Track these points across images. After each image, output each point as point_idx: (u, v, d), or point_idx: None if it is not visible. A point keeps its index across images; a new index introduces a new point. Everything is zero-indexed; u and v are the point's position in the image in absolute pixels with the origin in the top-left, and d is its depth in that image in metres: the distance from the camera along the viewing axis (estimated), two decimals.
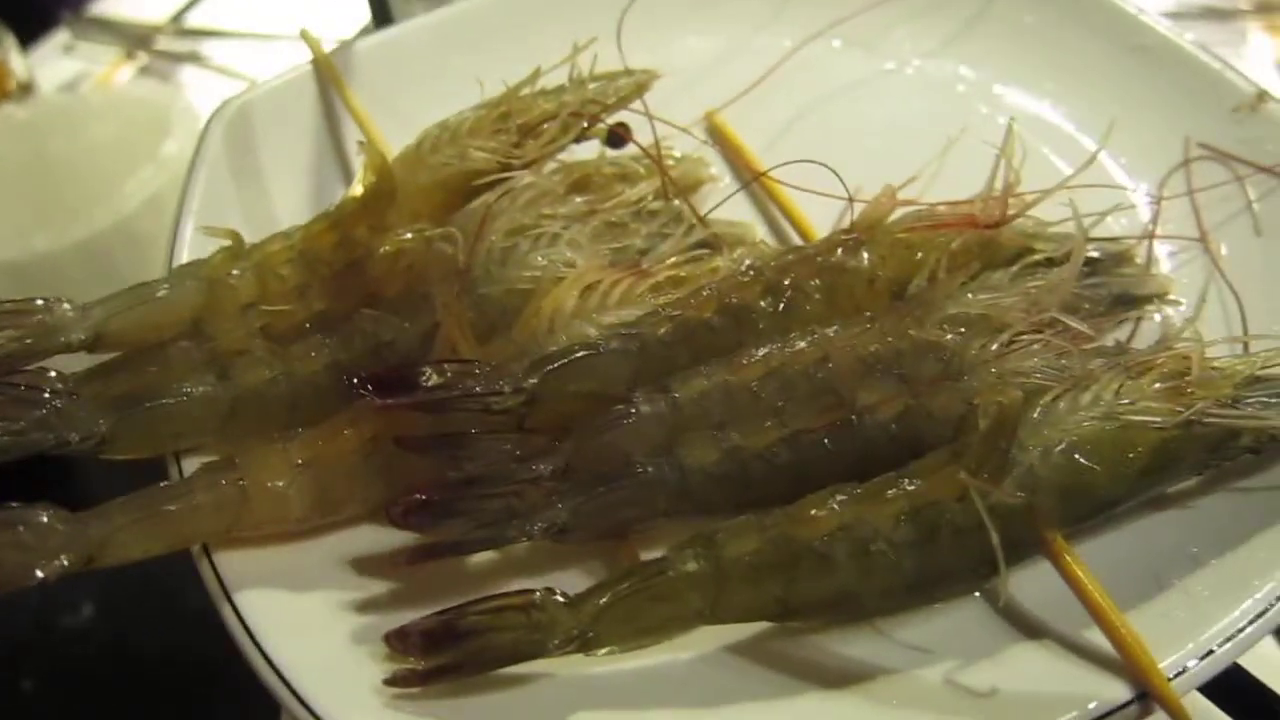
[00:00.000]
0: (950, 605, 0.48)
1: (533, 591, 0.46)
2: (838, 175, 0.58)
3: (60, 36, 1.64)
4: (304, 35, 0.73)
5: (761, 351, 0.51)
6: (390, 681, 0.45)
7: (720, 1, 0.77)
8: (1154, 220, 0.62)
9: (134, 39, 1.62)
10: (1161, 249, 0.61)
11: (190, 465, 0.52)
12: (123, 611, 0.96)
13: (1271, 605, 0.44)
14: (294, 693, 0.44)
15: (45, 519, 0.46)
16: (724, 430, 0.49)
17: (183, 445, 0.53)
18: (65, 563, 0.46)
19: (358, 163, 0.66)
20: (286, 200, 0.68)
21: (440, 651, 0.45)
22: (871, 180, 0.60)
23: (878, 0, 0.75)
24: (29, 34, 1.42)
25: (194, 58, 1.59)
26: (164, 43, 1.62)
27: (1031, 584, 0.48)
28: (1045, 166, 0.66)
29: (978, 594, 0.48)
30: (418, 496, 0.47)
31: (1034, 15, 0.74)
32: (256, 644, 0.46)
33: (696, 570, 0.46)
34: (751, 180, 0.65)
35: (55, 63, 1.58)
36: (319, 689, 0.44)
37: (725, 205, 0.63)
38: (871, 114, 0.73)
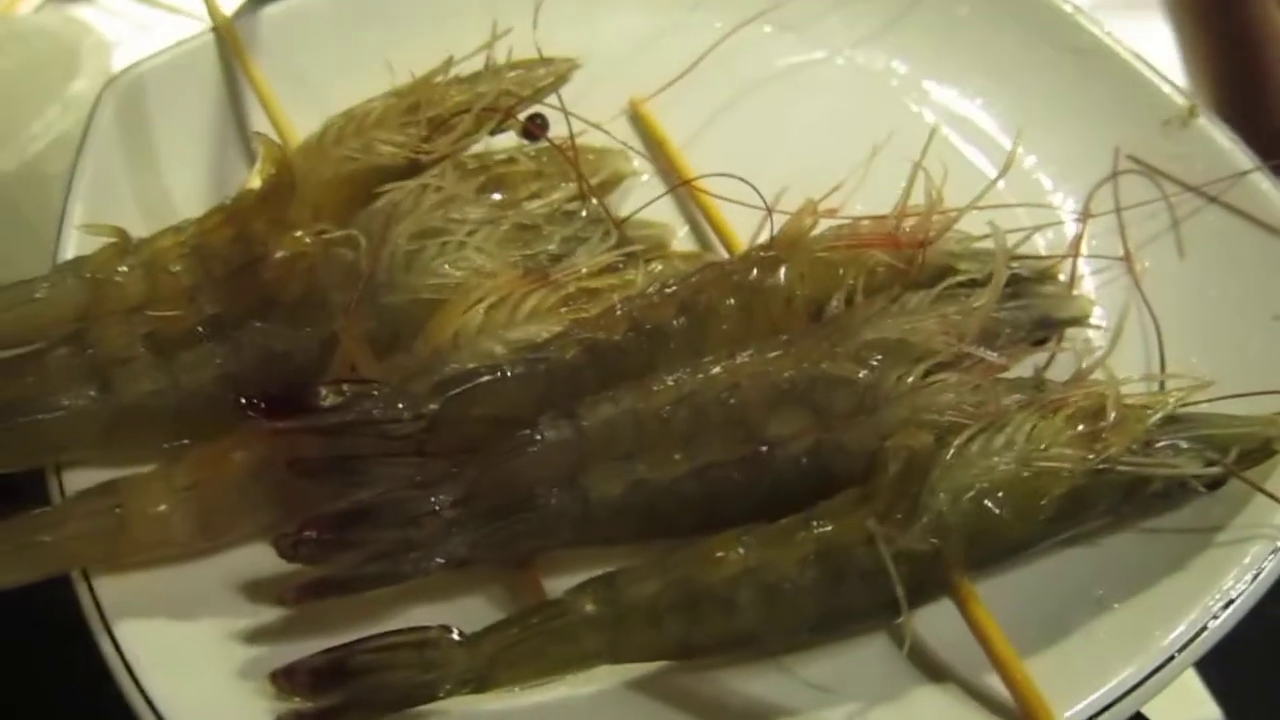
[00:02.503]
0: (855, 643, 0.48)
1: (428, 629, 0.45)
2: (756, 190, 0.56)
3: None
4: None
5: (672, 378, 0.49)
6: None
7: None
8: (1079, 236, 0.61)
9: None
10: (1085, 265, 0.60)
11: (73, 477, 0.50)
12: None
13: (1172, 657, 0.44)
14: None
15: None
16: (631, 461, 0.48)
17: (63, 459, 0.50)
18: None
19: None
20: (185, 183, 0.64)
21: (329, 691, 0.44)
22: (798, 179, 0.58)
23: None
24: None
25: None
26: None
27: (938, 624, 0.47)
28: (972, 172, 0.65)
29: (884, 632, 0.48)
30: (307, 530, 0.45)
31: (968, 7, 0.72)
32: (134, 679, 0.44)
33: (595, 613, 0.45)
34: (675, 188, 0.63)
35: None
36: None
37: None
38: (801, 106, 0.71)
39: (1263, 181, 0.60)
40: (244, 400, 0.46)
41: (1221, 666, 0.77)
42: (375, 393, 0.48)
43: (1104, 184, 0.63)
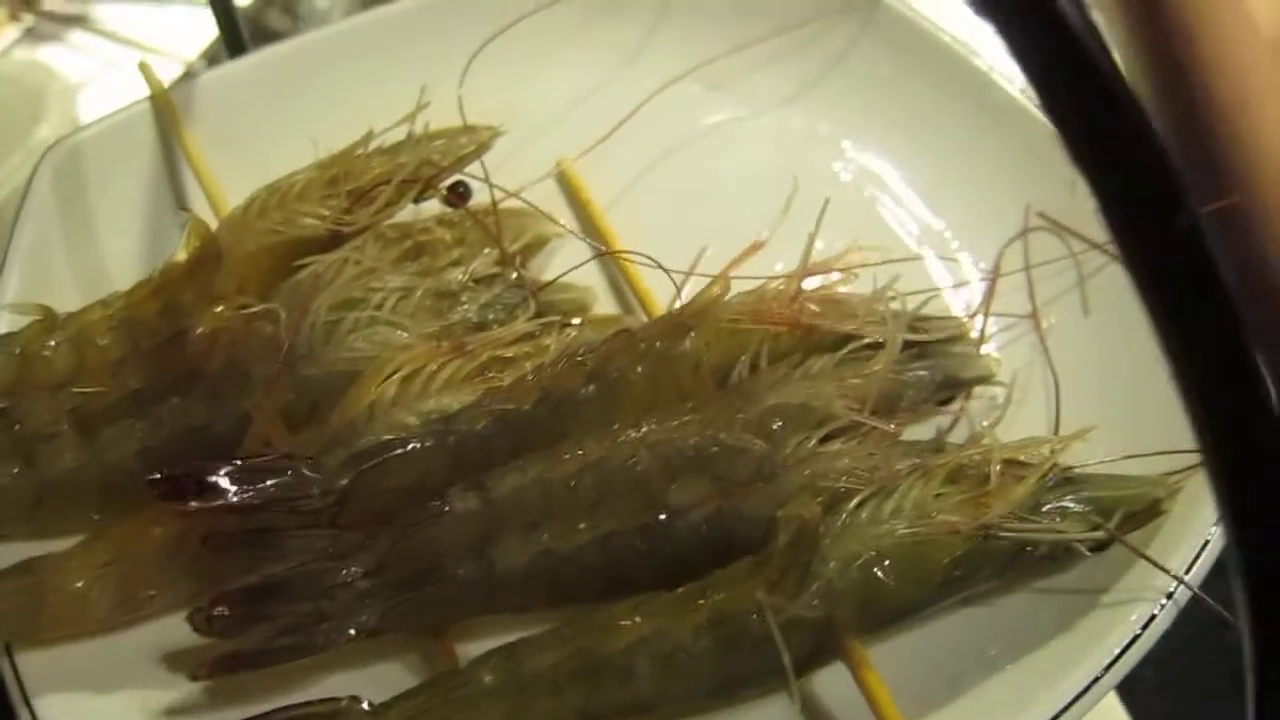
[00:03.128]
0: (755, 704, 0.49)
1: (338, 700, 0.46)
2: (663, 267, 0.58)
3: None
4: (142, 68, 0.70)
5: (580, 447, 0.50)
6: None
7: (581, 43, 0.75)
8: (989, 294, 0.62)
9: None
10: (993, 324, 0.62)
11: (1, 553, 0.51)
12: None
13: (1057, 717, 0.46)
14: None
15: None
16: (537, 530, 0.49)
17: None
18: None
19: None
20: (120, 251, 0.65)
21: None
22: (723, 235, 0.62)
23: (740, 45, 0.74)
24: None
25: (82, 21, 1.55)
26: (50, 2, 1.57)
27: (834, 685, 0.48)
28: (884, 231, 0.67)
29: (782, 694, 0.49)
30: (218, 607, 0.46)
31: (890, 65, 0.74)
32: None
33: (494, 683, 0.46)
34: (595, 257, 0.64)
35: None
36: None
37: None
38: (727, 163, 0.72)
39: None
40: (150, 480, 0.47)
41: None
42: (285, 469, 0.49)
43: (1014, 241, 0.65)
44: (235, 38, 0.78)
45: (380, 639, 0.50)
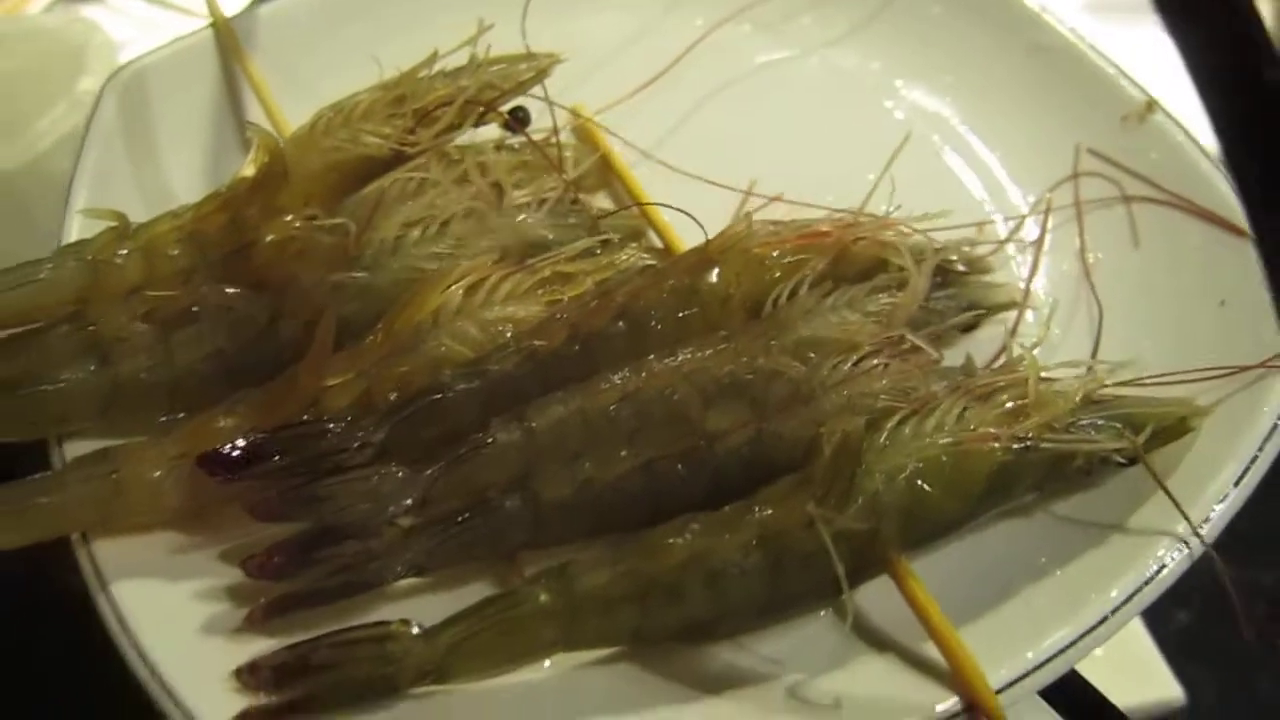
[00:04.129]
0: (803, 620, 0.50)
1: (388, 623, 0.47)
2: (696, 220, 0.59)
3: None
4: None
5: (617, 377, 0.51)
6: (241, 717, 0.46)
7: None
8: (1041, 231, 0.63)
9: None
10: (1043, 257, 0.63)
11: (73, 448, 0.53)
12: None
13: (1103, 620, 0.47)
14: (162, 684, 0.46)
15: None
16: (579, 460, 0.50)
17: (64, 429, 0.53)
18: None
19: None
20: (183, 172, 0.67)
21: (292, 686, 0.46)
22: (773, 171, 0.64)
23: None
24: None
25: None
26: None
27: (879, 599, 0.50)
28: (937, 165, 0.68)
29: (829, 610, 0.50)
30: (273, 554, 0.48)
31: (941, 6, 0.75)
32: (129, 634, 0.47)
33: (548, 603, 0.47)
34: (630, 207, 0.65)
35: None
36: (185, 682, 0.46)
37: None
38: (777, 102, 0.74)
39: (1215, 176, 0.63)
40: (198, 458, 0.49)
41: (1187, 651, 0.81)
42: (324, 430, 0.50)
43: (1064, 182, 0.66)
44: None
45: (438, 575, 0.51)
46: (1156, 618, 0.81)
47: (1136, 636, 0.79)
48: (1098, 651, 0.48)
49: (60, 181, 0.94)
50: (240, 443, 0.49)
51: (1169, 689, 0.79)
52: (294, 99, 0.67)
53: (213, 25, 0.71)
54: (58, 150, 0.94)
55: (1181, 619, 0.84)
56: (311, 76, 0.70)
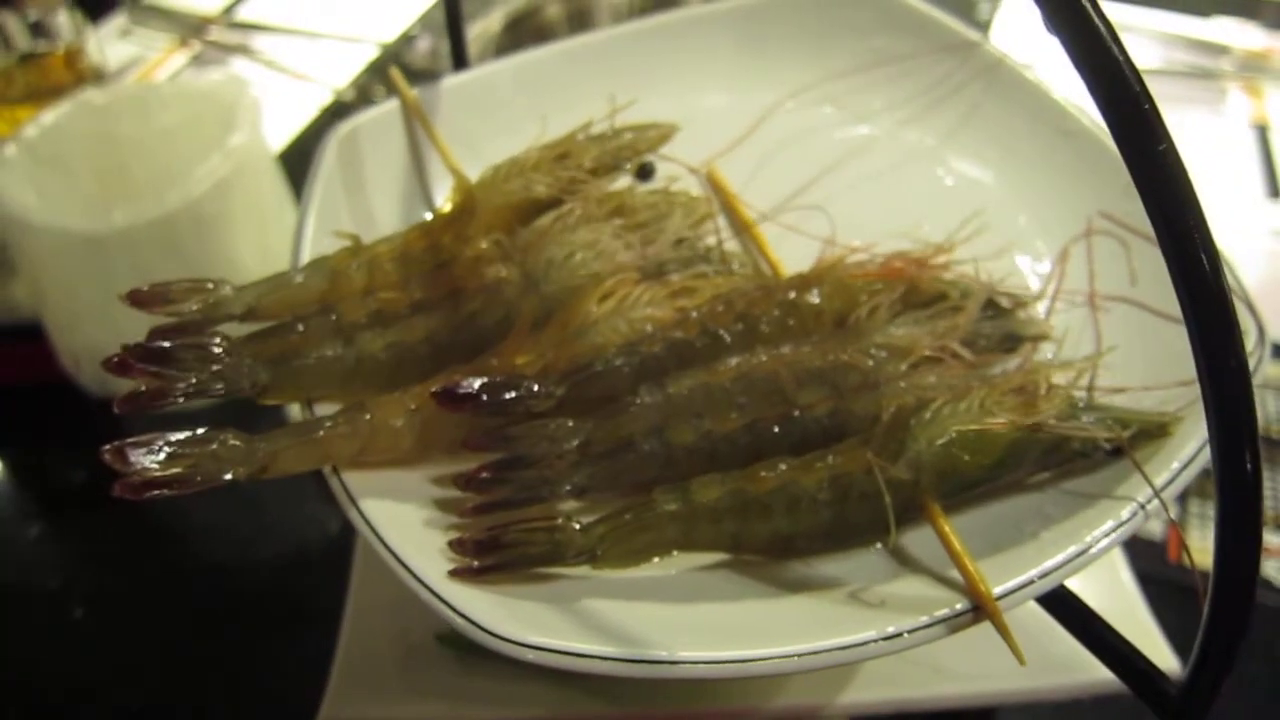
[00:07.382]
0: (858, 551, 0.65)
1: (557, 517, 0.61)
2: (801, 232, 0.76)
3: (118, 21, 1.76)
4: (392, 76, 0.91)
5: (733, 361, 0.67)
6: (453, 573, 0.60)
7: (730, 71, 0.96)
8: (1058, 278, 0.79)
9: (188, 28, 1.73)
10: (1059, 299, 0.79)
11: (320, 409, 0.65)
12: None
13: (1084, 551, 0.59)
14: (396, 557, 0.60)
15: (231, 438, 0.59)
16: (701, 419, 0.63)
17: (316, 395, 0.66)
18: (245, 470, 0.59)
19: (439, 184, 0.86)
20: (382, 207, 0.85)
21: (488, 555, 0.59)
22: (847, 225, 0.80)
23: (861, 67, 0.93)
24: (89, 17, 1.53)
25: (244, 50, 1.71)
26: (216, 33, 1.73)
27: (917, 537, 0.64)
28: (979, 223, 0.84)
29: (877, 544, 0.65)
30: (480, 472, 0.63)
31: (985, 94, 0.91)
32: (375, 532, 0.61)
33: (674, 509, 0.61)
34: (742, 228, 0.83)
35: (111, 46, 1.69)
36: (413, 554, 0.60)
37: (723, 240, 0.82)
38: (851, 169, 0.89)
39: None
40: (432, 393, 0.63)
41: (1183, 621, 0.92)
42: (521, 383, 0.66)
43: (1079, 239, 0.81)
44: (460, 54, 0.99)
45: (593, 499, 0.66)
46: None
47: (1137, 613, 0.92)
48: None
49: (213, 223, 1.12)
50: (464, 384, 0.64)
51: (1162, 659, 0.86)
52: (465, 158, 0.86)
53: (400, 97, 0.90)
54: (211, 195, 1.11)
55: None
56: (480, 141, 0.89)
